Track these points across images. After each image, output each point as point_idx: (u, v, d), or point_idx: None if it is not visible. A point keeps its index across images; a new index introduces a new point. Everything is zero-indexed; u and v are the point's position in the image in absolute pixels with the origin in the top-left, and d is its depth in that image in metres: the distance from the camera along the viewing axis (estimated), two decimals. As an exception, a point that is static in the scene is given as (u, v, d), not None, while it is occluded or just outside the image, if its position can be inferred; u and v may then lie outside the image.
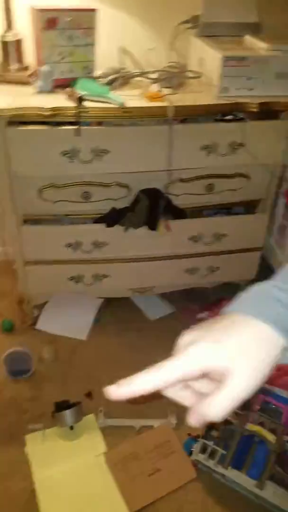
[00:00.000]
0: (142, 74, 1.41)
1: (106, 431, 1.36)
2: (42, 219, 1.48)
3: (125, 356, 1.61)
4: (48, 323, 1.68)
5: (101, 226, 1.46)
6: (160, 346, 1.66)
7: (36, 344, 1.59)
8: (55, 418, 1.34)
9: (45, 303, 1.71)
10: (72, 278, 1.58)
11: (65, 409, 1.33)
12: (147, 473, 1.28)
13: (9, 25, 1.37)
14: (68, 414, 1.32)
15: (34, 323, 1.69)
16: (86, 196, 1.41)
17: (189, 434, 1.35)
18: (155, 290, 1.71)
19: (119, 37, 1.49)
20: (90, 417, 1.39)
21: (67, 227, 1.47)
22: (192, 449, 1.31)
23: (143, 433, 1.36)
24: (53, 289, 1.65)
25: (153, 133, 1.32)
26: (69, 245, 1.49)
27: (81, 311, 1.71)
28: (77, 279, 1.58)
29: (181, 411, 1.39)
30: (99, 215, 1.46)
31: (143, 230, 1.47)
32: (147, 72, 1.42)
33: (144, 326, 1.74)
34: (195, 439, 1.34)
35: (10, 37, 1.38)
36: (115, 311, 1.78)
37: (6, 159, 1.30)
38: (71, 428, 1.34)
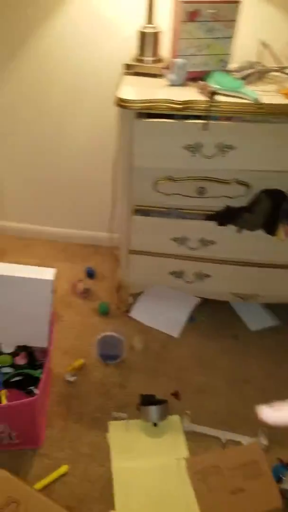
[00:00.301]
0: (280, 69, 1.31)
1: (190, 436, 1.28)
2: (152, 211, 1.46)
3: (217, 362, 1.51)
4: (141, 313, 1.66)
5: (212, 224, 1.38)
6: (258, 359, 1.54)
7: (127, 332, 1.58)
8: (140, 411, 1.30)
9: (141, 292, 1.70)
10: (173, 273, 1.53)
11: (151, 405, 1.28)
12: (228, 490, 1.18)
13: (150, 18, 1.38)
14: (154, 410, 1.27)
15: (128, 310, 1.68)
16: (201, 192, 1.35)
17: (279, 460, 1.21)
18: (259, 299, 1.58)
19: (258, 30, 1.39)
20: (175, 418, 1.32)
21: (177, 221, 1.41)
22: (281, 476, 1.18)
23: (229, 447, 1.26)
24: (152, 280, 1.60)
25: (285, 131, 1.21)
26: (176, 239, 1.44)
27: (176, 307, 1.65)
28: (178, 274, 1.53)
29: (273, 432, 1.27)
30: (212, 212, 1.38)
31: (259, 233, 1.35)
32: (286, 67, 1.31)
33: (242, 335, 1.62)
34: (286, 466, 1.20)
35: (149, 30, 1.39)
36: (212, 313, 1.69)
37: (130, 150, 1.29)
38: (155, 424, 1.29)
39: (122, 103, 1.20)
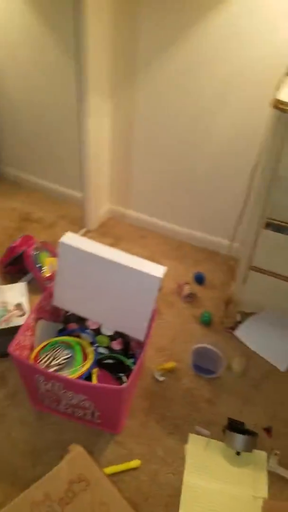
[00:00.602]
0: None
1: (273, 478, 1.28)
2: (285, 227, 1.47)
3: None
4: (248, 335, 1.68)
5: None
6: None
7: (227, 350, 1.62)
8: (226, 435, 1.34)
9: (253, 313, 1.71)
10: (295, 301, 1.53)
11: (239, 432, 1.32)
12: None
13: None
14: (240, 438, 1.31)
15: (233, 328, 1.72)
16: None
17: None
18: None
19: None
20: (262, 454, 1.33)
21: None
22: None
23: (315, 506, 1.24)
24: (268, 303, 1.62)
25: None
26: (306, 265, 1.44)
27: (289, 339, 1.65)
28: (301, 304, 1.52)
29: None
30: None
31: None
32: None
33: None
34: None
35: None
36: None
37: (277, 157, 1.31)
38: (238, 453, 1.33)
39: (280, 106, 1.22)
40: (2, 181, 2.71)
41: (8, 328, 1.50)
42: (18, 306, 1.59)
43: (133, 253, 1.37)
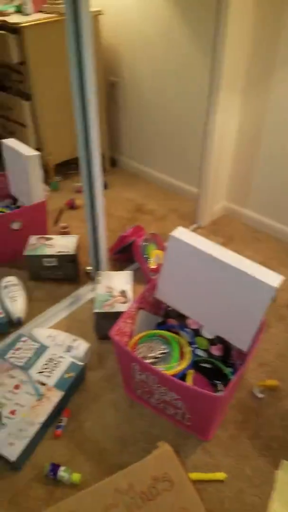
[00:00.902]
0: None
1: None
2: None
3: None
4: None
5: None
6: None
7: None
8: None
9: None
10: None
11: None
12: None
13: None
14: None
15: None
16: None
17: None
18: None
19: None
20: None
21: None
22: None
23: None
24: None
25: None
26: None
27: None
28: None
29: None
30: None
31: None
32: None
33: None
34: None
35: None
36: None
37: None
38: None
39: None
40: (123, 173, 2.89)
41: (110, 312, 1.60)
42: (122, 293, 1.68)
43: (244, 256, 1.35)
